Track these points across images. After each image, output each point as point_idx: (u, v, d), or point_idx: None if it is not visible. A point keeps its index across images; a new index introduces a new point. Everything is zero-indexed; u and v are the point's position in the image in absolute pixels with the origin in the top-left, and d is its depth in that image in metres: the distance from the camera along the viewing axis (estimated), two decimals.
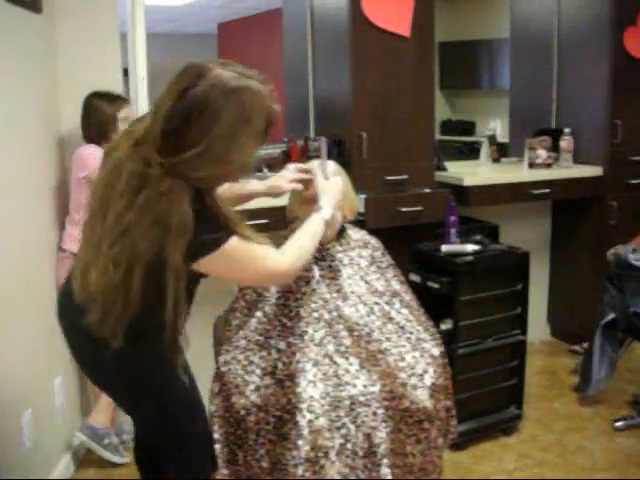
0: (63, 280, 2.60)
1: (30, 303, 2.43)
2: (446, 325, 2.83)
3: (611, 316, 3.04)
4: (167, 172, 1.40)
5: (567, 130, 3.72)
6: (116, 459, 2.73)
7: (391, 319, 2.07)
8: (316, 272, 2.07)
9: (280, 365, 1.93)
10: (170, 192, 1.39)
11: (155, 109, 1.45)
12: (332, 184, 1.93)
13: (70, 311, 1.68)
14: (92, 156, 2.59)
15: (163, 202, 1.39)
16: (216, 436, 1.89)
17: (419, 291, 2.42)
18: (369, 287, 2.10)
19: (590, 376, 3.11)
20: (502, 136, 4.27)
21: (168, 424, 1.73)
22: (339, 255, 2.11)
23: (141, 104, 3.16)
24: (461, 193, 3.25)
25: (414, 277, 2.94)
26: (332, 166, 2.11)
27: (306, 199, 2.02)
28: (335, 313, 2.02)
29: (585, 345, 3.67)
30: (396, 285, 2.17)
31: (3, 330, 2.17)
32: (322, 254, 2.10)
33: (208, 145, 1.40)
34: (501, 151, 3.94)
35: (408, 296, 2.18)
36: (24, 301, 2.36)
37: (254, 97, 1.45)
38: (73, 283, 1.59)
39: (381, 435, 1.84)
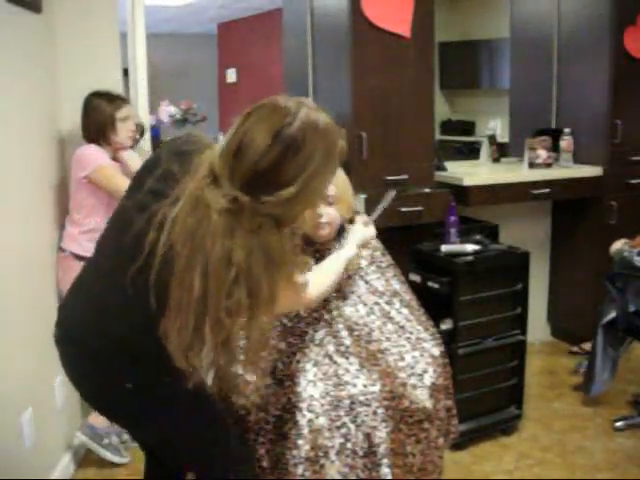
0: (62, 285, 2.64)
1: (30, 303, 2.43)
2: (446, 325, 2.83)
3: (611, 316, 3.04)
4: (255, 211, 1.34)
5: (567, 130, 3.72)
6: (116, 459, 2.73)
7: (391, 319, 2.07)
8: None
9: (280, 365, 1.93)
10: (262, 230, 1.35)
11: (238, 145, 1.35)
12: (368, 230, 2.08)
13: (93, 335, 1.56)
14: (92, 156, 2.59)
15: (273, 241, 1.36)
16: None
17: (419, 291, 2.42)
18: (369, 287, 2.10)
19: (594, 377, 3.11)
20: (502, 136, 4.27)
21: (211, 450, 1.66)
22: None
23: (141, 104, 3.17)
24: (461, 193, 3.25)
25: (414, 277, 2.94)
26: None
27: (319, 224, 2.04)
28: (335, 313, 2.02)
29: (584, 346, 3.67)
30: (396, 285, 2.17)
31: (3, 330, 2.17)
32: (322, 254, 2.10)
33: (303, 184, 1.36)
34: (501, 151, 3.94)
35: (408, 296, 2.18)
36: (24, 301, 2.36)
37: (336, 135, 1.46)
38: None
39: (381, 435, 1.84)
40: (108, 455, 2.72)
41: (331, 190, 2.04)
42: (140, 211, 1.41)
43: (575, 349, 3.84)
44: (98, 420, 2.69)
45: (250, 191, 1.33)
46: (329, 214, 2.03)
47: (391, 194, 2.20)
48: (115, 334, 1.50)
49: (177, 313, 1.34)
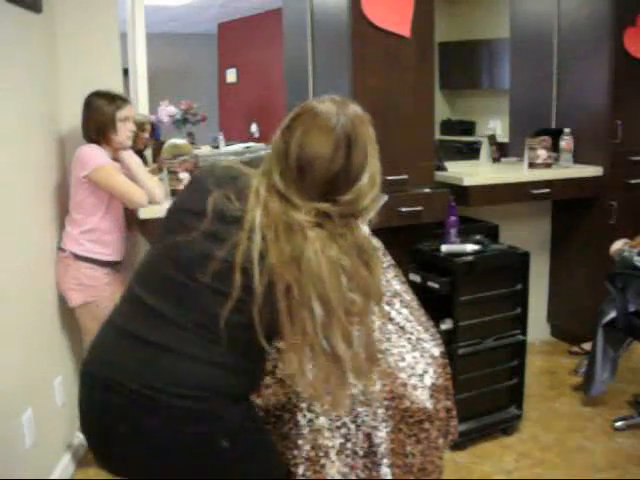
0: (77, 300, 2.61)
1: (30, 303, 2.43)
2: (446, 325, 2.83)
3: (611, 316, 3.05)
4: (339, 213, 1.37)
5: (567, 130, 3.72)
6: None
7: (391, 319, 2.07)
8: None
9: (280, 364, 1.93)
10: (350, 229, 1.38)
11: (298, 162, 1.36)
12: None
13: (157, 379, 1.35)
14: (92, 156, 2.59)
15: (360, 236, 1.39)
16: None
17: (419, 291, 2.42)
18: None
19: (593, 377, 3.12)
20: (502, 136, 4.27)
21: None
22: None
23: (141, 104, 3.17)
24: (461, 193, 3.25)
25: (414, 277, 2.94)
26: None
27: None
28: None
29: (585, 346, 3.68)
30: (396, 285, 2.17)
31: (3, 330, 2.17)
32: None
33: (369, 172, 1.41)
34: (501, 151, 3.94)
35: (408, 296, 2.18)
36: (24, 301, 2.37)
37: (368, 117, 1.53)
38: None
39: (381, 435, 1.84)
40: None
41: None
42: (214, 243, 1.34)
43: (575, 349, 3.84)
44: None
45: (329, 197, 1.36)
46: None
47: (383, 199, 2.17)
48: (208, 382, 1.36)
49: (301, 344, 1.33)
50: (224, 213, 1.35)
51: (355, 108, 1.47)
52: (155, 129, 3.07)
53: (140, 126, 2.88)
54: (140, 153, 2.97)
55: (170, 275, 1.37)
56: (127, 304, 1.45)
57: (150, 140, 3.07)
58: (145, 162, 3.01)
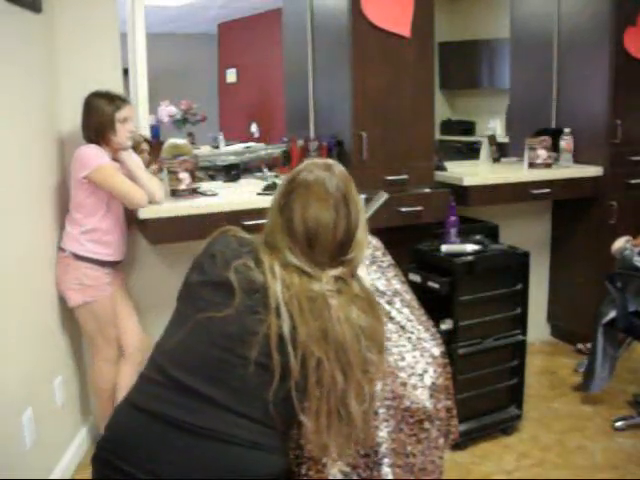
0: (72, 287, 2.63)
1: (30, 303, 2.43)
2: (446, 325, 2.83)
3: (611, 316, 3.05)
4: (349, 271, 1.45)
5: (567, 130, 3.72)
6: None
7: (391, 318, 2.07)
8: None
9: None
10: (359, 284, 1.46)
11: (306, 235, 1.40)
12: None
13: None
14: (92, 156, 2.59)
15: (365, 287, 1.48)
16: None
17: (419, 291, 2.41)
18: (370, 286, 2.10)
19: (594, 375, 3.12)
20: (502, 136, 4.27)
21: None
22: None
23: (141, 104, 3.16)
24: (461, 193, 3.25)
25: (414, 277, 2.94)
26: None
27: None
28: None
29: (587, 345, 3.67)
30: (397, 285, 2.17)
31: (3, 330, 2.17)
32: None
33: (362, 224, 1.48)
34: (501, 151, 3.94)
35: (409, 296, 2.18)
36: (24, 301, 2.36)
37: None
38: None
39: (382, 434, 1.84)
40: None
41: None
42: (251, 318, 1.34)
43: (580, 346, 3.83)
44: (101, 425, 2.69)
45: (339, 260, 1.43)
46: None
47: (384, 197, 2.20)
48: (264, 469, 1.34)
49: (322, 411, 1.36)
50: (249, 284, 1.36)
51: (339, 167, 1.51)
52: (153, 143, 3.05)
53: (136, 147, 2.86)
54: None
55: (210, 353, 1.33)
56: (156, 386, 1.35)
57: (152, 158, 3.05)
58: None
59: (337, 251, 1.43)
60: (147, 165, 2.91)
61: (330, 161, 1.52)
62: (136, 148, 2.84)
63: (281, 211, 1.43)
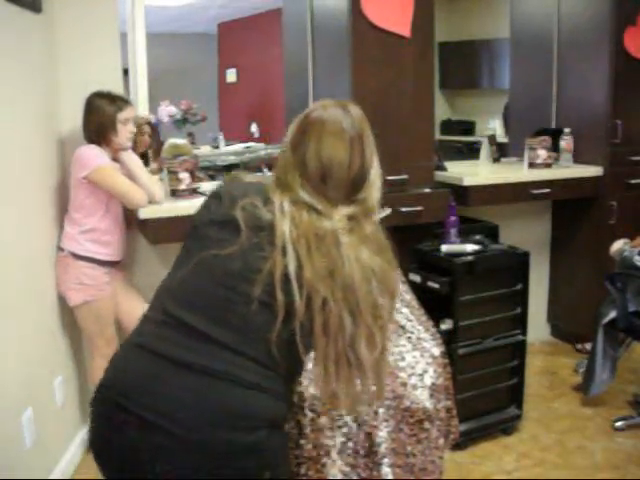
0: (72, 286, 2.64)
1: (30, 303, 2.43)
2: (446, 325, 2.83)
3: (611, 316, 3.05)
4: (362, 212, 1.41)
5: (567, 130, 3.72)
6: None
7: None
8: None
9: None
10: (373, 226, 1.41)
11: (321, 171, 1.37)
12: None
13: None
14: (92, 156, 2.59)
15: (378, 231, 1.42)
16: None
17: (419, 291, 2.42)
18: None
19: (593, 377, 3.12)
20: (502, 136, 4.27)
21: None
22: None
23: (141, 104, 3.17)
24: (461, 193, 3.25)
25: (414, 277, 2.94)
26: None
27: None
28: None
29: (587, 345, 3.67)
30: None
31: (3, 330, 2.17)
32: None
33: (376, 163, 1.45)
34: (501, 151, 3.94)
35: (408, 295, 2.18)
36: (24, 301, 2.36)
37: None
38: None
39: (382, 434, 1.84)
40: None
41: None
42: (256, 255, 1.30)
43: (580, 347, 3.83)
44: None
45: (352, 198, 1.39)
46: None
47: (385, 212, 2.18)
48: (262, 411, 1.31)
49: (331, 356, 1.32)
50: (256, 222, 1.32)
51: (354, 107, 1.50)
52: (155, 127, 3.05)
53: (138, 129, 2.86)
54: (143, 156, 2.96)
55: (211, 293, 1.31)
56: (158, 325, 1.33)
57: (153, 141, 3.06)
58: (147, 162, 3.01)
59: (350, 188, 1.39)
60: (148, 148, 2.91)
61: (346, 101, 1.51)
62: (138, 130, 2.84)
63: (294, 149, 1.39)
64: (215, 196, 1.41)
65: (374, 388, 1.43)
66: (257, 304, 1.28)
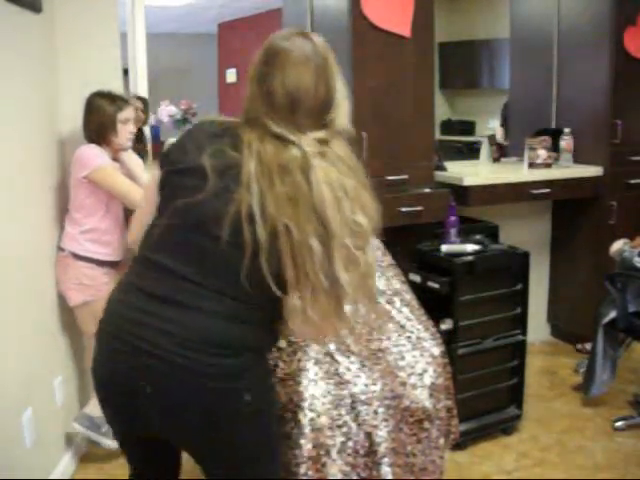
0: (73, 285, 2.64)
1: (30, 303, 2.43)
2: (446, 325, 2.83)
3: (611, 316, 3.05)
4: (332, 135, 1.44)
5: (567, 130, 3.73)
6: (115, 445, 2.72)
7: (391, 318, 2.07)
8: None
9: (281, 364, 1.93)
10: (343, 148, 1.45)
11: (289, 99, 1.40)
12: None
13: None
14: (92, 156, 2.59)
15: (348, 152, 1.45)
16: None
17: (419, 291, 2.42)
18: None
19: (594, 377, 3.12)
20: (501, 139, 4.26)
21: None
22: None
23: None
24: (461, 193, 3.25)
25: (414, 277, 2.94)
26: None
27: None
28: None
29: (587, 345, 3.67)
30: (397, 284, 2.17)
31: (3, 329, 2.17)
32: None
33: (339, 84, 1.49)
34: (501, 151, 3.94)
35: (408, 295, 2.18)
36: (24, 301, 2.36)
37: None
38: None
39: (382, 434, 1.84)
40: (108, 442, 2.69)
41: None
42: (223, 199, 1.36)
43: (580, 347, 3.83)
44: (95, 409, 2.69)
45: (321, 122, 1.42)
46: None
47: (373, 243, 2.18)
48: (237, 338, 1.41)
49: (304, 286, 1.36)
50: (223, 168, 1.37)
51: (316, 35, 1.53)
52: (146, 101, 3.03)
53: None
54: (139, 131, 2.95)
55: (186, 238, 1.40)
56: (143, 269, 1.46)
57: (146, 116, 3.05)
58: (145, 151, 3.00)
59: (318, 114, 1.42)
60: (143, 124, 2.89)
61: (307, 31, 1.55)
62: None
63: (259, 81, 1.42)
64: (189, 138, 1.47)
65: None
66: (227, 244, 1.35)
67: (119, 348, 1.41)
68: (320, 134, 1.40)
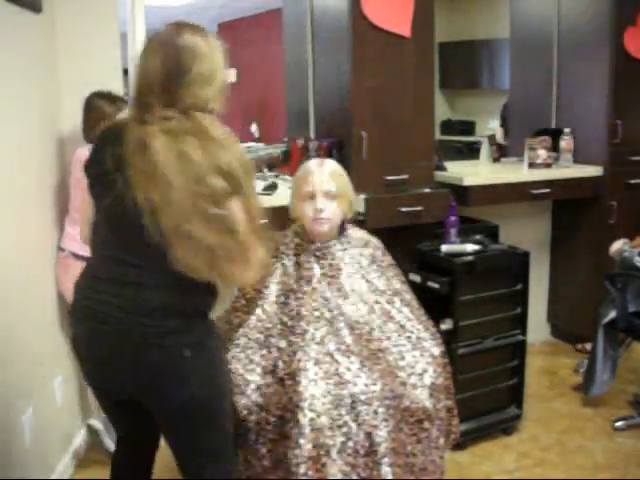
0: (68, 283, 2.64)
1: (30, 303, 2.43)
2: (446, 325, 2.83)
3: (611, 316, 3.05)
4: (182, 109, 1.63)
5: (567, 130, 3.72)
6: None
7: (391, 318, 2.07)
8: (317, 270, 2.08)
9: (281, 364, 1.93)
10: (195, 120, 1.65)
11: (139, 83, 1.66)
12: None
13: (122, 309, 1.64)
14: None
15: (206, 122, 1.67)
16: None
17: (419, 291, 2.42)
18: (370, 285, 2.10)
19: (594, 377, 3.12)
20: (501, 139, 4.26)
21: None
22: (339, 254, 2.11)
23: None
24: (461, 193, 3.25)
25: (414, 277, 2.94)
26: (332, 165, 2.12)
27: (302, 196, 2.06)
28: (336, 311, 2.02)
29: (587, 345, 3.68)
30: (397, 284, 2.17)
31: (3, 330, 2.17)
32: (323, 252, 2.10)
33: (196, 66, 1.73)
34: (501, 151, 3.94)
35: (409, 295, 2.18)
36: (24, 301, 2.36)
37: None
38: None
39: (382, 434, 1.84)
40: (112, 446, 2.70)
41: (331, 186, 2.04)
42: (121, 206, 1.59)
43: (580, 347, 3.83)
44: None
45: (170, 100, 1.60)
46: (329, 209, 2.04)
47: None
48: (170, 304, 1.62)
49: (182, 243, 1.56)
50: (119, 163, 1.58)
51: (190, 27, 1.84)
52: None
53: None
54: None
55: (114, 233, 1.66)
56: (94, 261, 1.78)
57: None
58: None
59: (167, 93, 1.60)
60: None
61: (187, 28, 1.81)
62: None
63: (138, 73, 1.68)
64: (96, 149, 1.72)
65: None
66: (133, 227, 1.57)
67: (83, 316, 1.68)
68: (167, 112, 1.58)
